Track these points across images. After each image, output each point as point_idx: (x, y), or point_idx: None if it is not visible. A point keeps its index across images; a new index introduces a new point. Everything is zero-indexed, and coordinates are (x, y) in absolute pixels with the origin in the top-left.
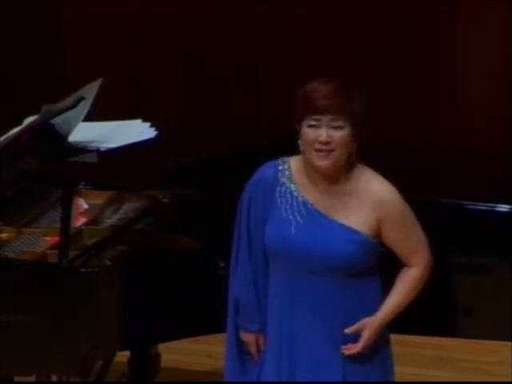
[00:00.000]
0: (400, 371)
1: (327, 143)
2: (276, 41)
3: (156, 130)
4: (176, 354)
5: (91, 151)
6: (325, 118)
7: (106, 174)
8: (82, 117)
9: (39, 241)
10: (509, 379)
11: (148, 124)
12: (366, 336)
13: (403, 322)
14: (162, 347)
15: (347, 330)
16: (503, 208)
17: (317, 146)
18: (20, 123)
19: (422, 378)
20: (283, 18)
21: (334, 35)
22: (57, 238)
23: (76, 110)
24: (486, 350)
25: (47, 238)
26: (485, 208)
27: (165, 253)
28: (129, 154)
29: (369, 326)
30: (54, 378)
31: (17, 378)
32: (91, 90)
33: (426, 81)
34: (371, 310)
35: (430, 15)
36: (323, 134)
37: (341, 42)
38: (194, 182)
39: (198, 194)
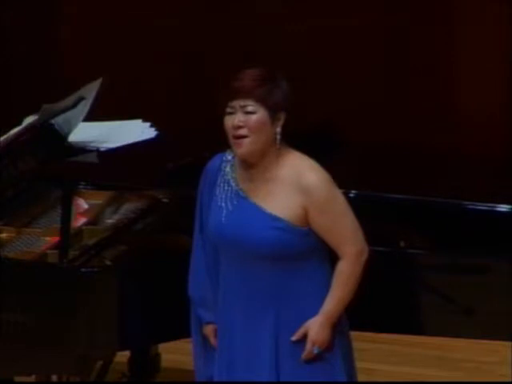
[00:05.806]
0: (400, 371)
1: (239, 127)
2: (278, 41)
3: (156, 130)
4: (176, 354)
5: (91, 151)
6: (237, 103)
7: (106, 174)
8: (81, 117)
9: (39, 241)
10: (509, 379)
11: (148, 124)
12: (311, 337)
13: (403, 322)
14: (162, 347)
15: (293, 338)
16: (503, 208)
17: (233, 132)
18: (20, 123)
19: (422, 378)
20: (281, 18)
21: (334, 35)
22: (57, 238)
23: (76, 110)
24: (486, 350)
25: (47, 238)
26: (485, 208)
27: (165, 253)
28: (129, 154)
29: (311, 326)
30: (54, 378)
31: (17, 378)
32: (91, 90)
33: (426, 81)
34: (315, 302)
35: (430, 15)
36: (235, 119)
37: (341, 42)
38: (194, 182)
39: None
